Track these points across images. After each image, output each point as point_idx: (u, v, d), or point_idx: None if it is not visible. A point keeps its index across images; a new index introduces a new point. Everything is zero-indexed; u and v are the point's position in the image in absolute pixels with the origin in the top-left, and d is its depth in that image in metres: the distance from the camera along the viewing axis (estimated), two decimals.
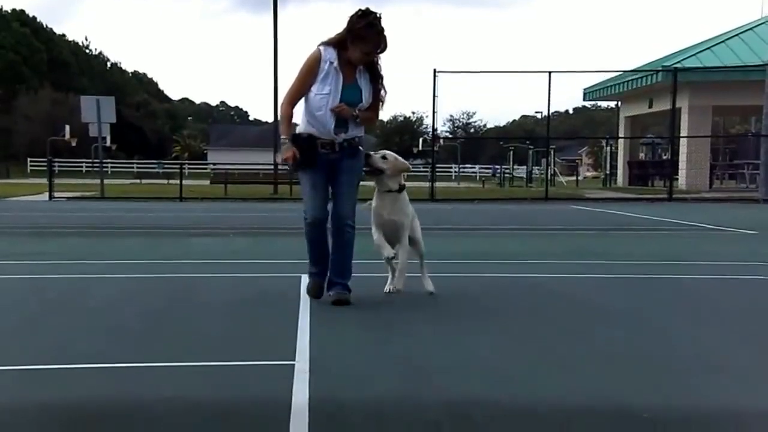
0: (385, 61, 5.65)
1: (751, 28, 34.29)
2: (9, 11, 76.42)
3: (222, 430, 3.18)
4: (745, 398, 3.63)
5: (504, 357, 4.33)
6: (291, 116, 5.70)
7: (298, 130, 5.65)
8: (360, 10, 5.47)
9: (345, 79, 5.56)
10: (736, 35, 34.40)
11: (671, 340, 4.76)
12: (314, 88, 5.54)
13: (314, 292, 5.78)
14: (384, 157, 5.78)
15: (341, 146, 5.61)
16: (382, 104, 5.76)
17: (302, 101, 5.66)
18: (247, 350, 4.41)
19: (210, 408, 3.44)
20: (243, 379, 3.88)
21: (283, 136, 5.67)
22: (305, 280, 6.04)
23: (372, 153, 5.81)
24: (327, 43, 5.57)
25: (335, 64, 5.50)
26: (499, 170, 50.16)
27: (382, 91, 5.71)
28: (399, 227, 5.73)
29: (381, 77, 5.70)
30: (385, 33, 5.49)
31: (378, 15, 5.45)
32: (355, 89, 5.59)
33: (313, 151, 5.57)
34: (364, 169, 5.70)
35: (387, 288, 5.85)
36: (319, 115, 5.53)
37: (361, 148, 5.74)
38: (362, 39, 5.41)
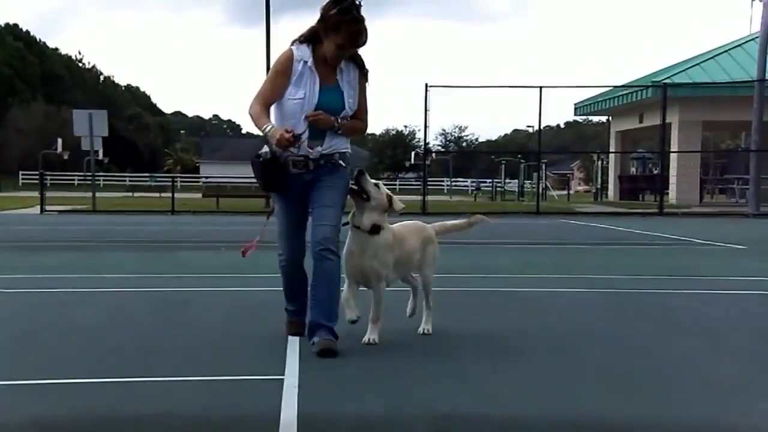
0: (375, 71, 4.90)
1: (740, 45, 34.54)
2: (2, 25, 76.59)
3: None
4: (733, 414, 3.65)
5: (491, 373, 4.33)
6: (266, 113, 4.70)
7: (266, 147, 4.71)
8: None
9: (323, 80, 4.68)
10: (725, 51, 34.68)
11: (659, 356, 4.78)
12: (287, 92, 4.67)
13: (293, 330, 4.98)
14: (377, 185, 4.77)
15: (317, 164, 4.67)
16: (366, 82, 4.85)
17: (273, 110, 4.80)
18: (237, 365, 4.41)
19: (199, 423, 3.45)
20: (232, 394, 3.88)
21: (265, 126, 4.61)
22: None
23: (366, 174, 4.76)
24: (300, 40, 4.73)
25: (309, 63, 4.65)
26: (487, 184, 50.29)
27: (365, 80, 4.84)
28: (370, 275, 4.73)
29: (366, 71, 4.83)
30: (364, 24, 4.60)
31: (356, 1, 4.56)
32: (335, 92, 4.70)
33: (279, 174, 4.65)
34: (351, 185, 4.70)
35: (367, 338, 4.82)
36: (290, 124, 4.60)
37: (342, 163, 4.76)
38: (335, 29, 4.53)
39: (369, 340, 4.78)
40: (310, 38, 4.69)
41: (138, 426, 3.42)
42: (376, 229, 4.68)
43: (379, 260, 4.70)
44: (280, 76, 4.68)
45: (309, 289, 4.76)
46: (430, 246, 5.11)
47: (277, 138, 4.49)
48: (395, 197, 4.83)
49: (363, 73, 4.80)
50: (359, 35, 4.60)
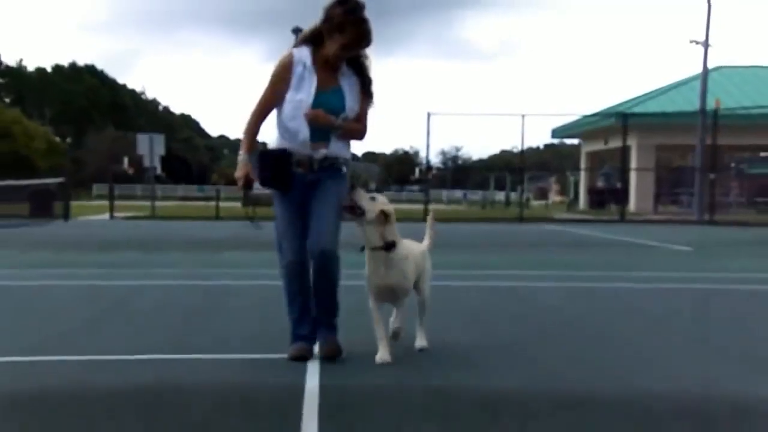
0: (385, 101, 4.19)
1: (687, 82, 34.50)
2: (82, 66, 77.47)
3: (244, 412, 3.17)
4: (669, 380, 3.62)
5: (482, 353, 4.29)
6: (255, 131, 4.00)
7: (270, 146, 4.03)
8: None
9: (322, 82, 3.88)
10: (675, 87, 34.72)
11: (612, 338, 4.75)
12: (288, 96, 3.89)
13: (299, 355, 3.92)
14: (373, 198, 3.89)
15: (321, 166, 3.90)
16: (371, 101, 4.02)
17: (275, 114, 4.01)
18: (267, 345, 4.38)
19: (234, 393, 3.43)
20: (263, 369, 3.86)
21: (241, 152, 4.01)
22: None
23: (359, 188, 3.94)
24: (301, 41, 3.98)
25: (308, 64, 3.88)
26: (477, 194, 50.13)
27: (370, 98, 4.02)
28: (396, 293, 3.96)
29: (369, 80, 3.99)
30: (369, 24, 3.84)
31: (360, 2, 3.85)
32: (336, 95, 3.91)
33: (286, 170, 3.87)
34: (343, 205, 3.85)
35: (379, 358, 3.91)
36: (291, 126, 3.88)
37: (344, 168, 4.00)
38: (340, 29, 3.80)
39: (382, 359, 3.92)
40: (311, 39, 3.94)
41: (179, 396, 3.41)
42: (391, 245, 3.85)
43: (404, 273, 3.91)
44: (279, 83, 3.91)
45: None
46: (427, 262, 4.24)
47: (237, 173, 3.93)
48: (388, 214, 3.84)
49: (365, 83, 3.99)
50: (364, 36, 3.85)
